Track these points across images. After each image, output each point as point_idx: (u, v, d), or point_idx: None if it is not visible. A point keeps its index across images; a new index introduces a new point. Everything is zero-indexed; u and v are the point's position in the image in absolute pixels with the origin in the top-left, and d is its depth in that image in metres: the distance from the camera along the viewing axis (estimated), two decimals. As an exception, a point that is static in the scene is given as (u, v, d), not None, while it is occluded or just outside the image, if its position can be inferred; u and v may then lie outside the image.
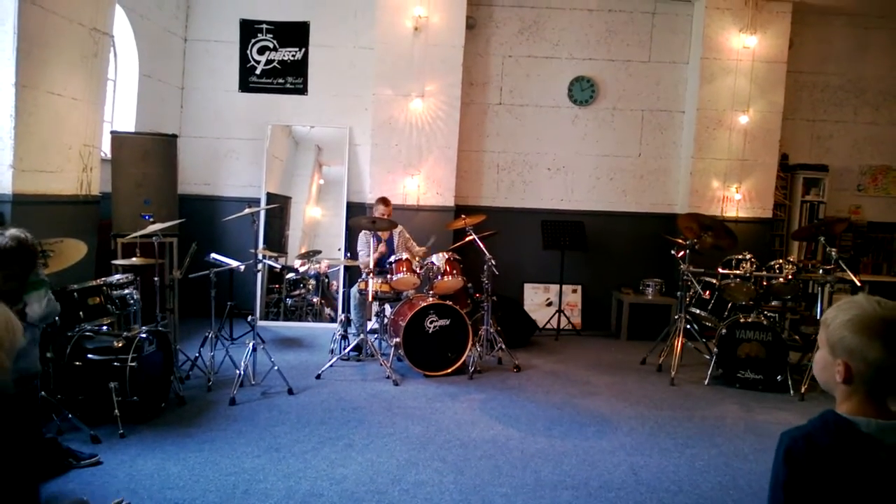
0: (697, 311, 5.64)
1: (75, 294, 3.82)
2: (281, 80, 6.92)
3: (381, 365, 4.98)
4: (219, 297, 4.70)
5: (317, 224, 7.05)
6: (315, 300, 6.76)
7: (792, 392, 4.87)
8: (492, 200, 7.08)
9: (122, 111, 6.10)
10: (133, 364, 3.63)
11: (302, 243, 6.93)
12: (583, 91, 7.00)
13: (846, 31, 7.12)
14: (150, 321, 4.40)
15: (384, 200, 5.79)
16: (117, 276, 4.20)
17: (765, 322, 5.00)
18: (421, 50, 6.45)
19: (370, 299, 5.13)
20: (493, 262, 5.21)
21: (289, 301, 6.71)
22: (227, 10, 6.86)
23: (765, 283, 5.17)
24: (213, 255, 4.82)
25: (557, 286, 6.80)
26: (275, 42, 6.88)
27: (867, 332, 1.24)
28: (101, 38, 4.73)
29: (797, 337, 5.70)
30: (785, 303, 5.70)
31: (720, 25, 6.66)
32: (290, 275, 6.71)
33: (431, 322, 5.01)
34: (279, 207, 6.84)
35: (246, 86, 6.93)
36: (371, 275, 5.02)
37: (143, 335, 3.80)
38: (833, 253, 4.96)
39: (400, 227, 5.83)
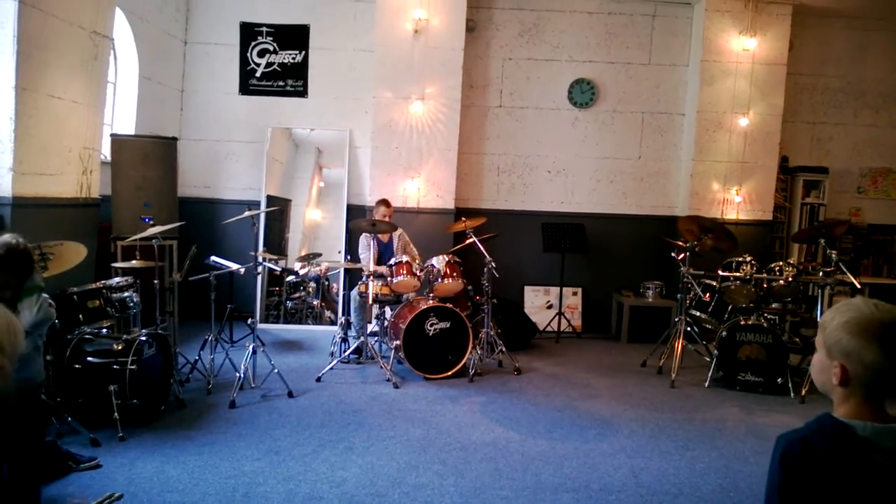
0: (698, 314, 5.64)
1: (75, 297, 3.83)
2: (281, 83, 6.93)
3: (382, 368, 4.97)
4: (219, 299, 4.70)
5: (317, 227, 7.05)
6: (315, 303, 6.75)
7: (792, 394, 4.86)
8: (492, 203, 7.08)
9: (122, 114, 6.10)
10: (133, 367, 3.63)
11: (302, 246, 6.93)
12: (583, 93, 7.00)
13: (846, 34, 7.13)
14: (149, 324, 4.40)
15: (385, 202, 5.79)
16: (117, 279, 4.20)
17: (765, 324, 5.00)
18: (421, 52, 6.46)
19: (370, 302, 5.13)
20: (493, 264, 5.21)
21: (289, 304, 6.71)
22: (227, 12, 6.87)
23: (765, 286, 5.17)
24: (213, 258, 4.83)
25: (558, 289, 6.79)
26: (275, 45, 6.89)
27: (864, 335, 1.24)
28: (101, 40, 4.74)
29: (797, 339, 5.70)
30: (785, 305, 5.69)
31: (720, 28, 6.67)
32: (291, 277, 6.71)
33: (432, 325, 5.01)
34: (279, 210, 6.84)
35: (246, 88, 6.93)
36: (371, 277, 5.02)
37: (143, 338, 3.80)
38: (833, 255, 4.96)
39: (400, 231, 5.83)
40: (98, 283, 4.03)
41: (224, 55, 6.89)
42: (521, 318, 6.37)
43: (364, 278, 5.14)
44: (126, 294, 4.12)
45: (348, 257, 6.13)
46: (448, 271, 5.19)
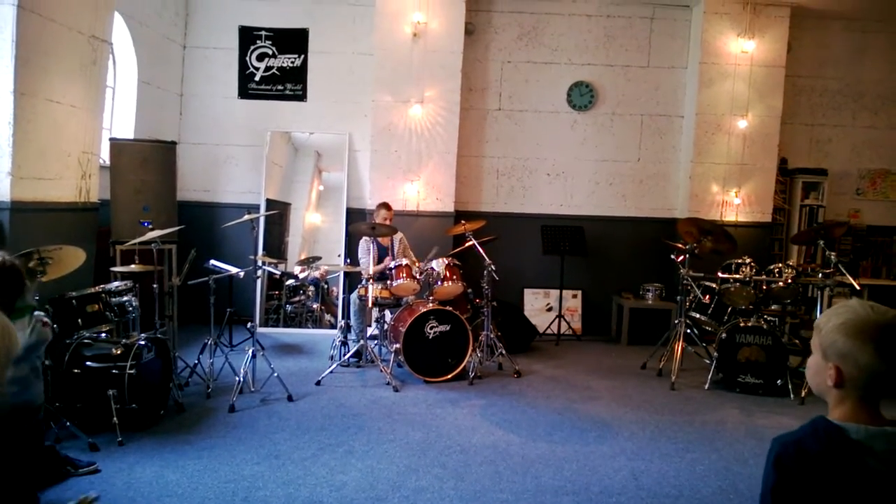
0: (697, 316, 5.63)
1: (74, 301, 3.82)
2: (280, 87, 6.94)
3: (381, 371, 4.97)
4: (218, 303, 4.70)
5: (316, 230, 7.05)
6: (315, 306, 6.75)
7: (792, 396, 4.86)
8: (491, 206, 7.08)
9: (121, 118, 6.11)
10: (132, 371, 3.62)
11: (302, 249, 6.93)
12: (582, 96, 7.01)
13: (844, 36, 7.14)
14: (148, 328, 4.39)
15: (385, 205, 5.79)
16: (116, 283, 4.19)
17: (765, 326, 4.99)
18: (420, 56, 6.47)
19: (370, 305, 5.12)
20: (492, 267, 5.20)
21: (288, 307, 6.71)
22: (226, 17, 6.88)
23: (764, 288, 5.17)
24: (213, 262, 4.82)
25: (557, 291, 6.79)
26: (274, 49, 6.90)
27: (859, 337, 1.24)
28: (99, 45, 4.74)
29: (797, 341, 5.69)
30: (785, 307, 5.69)
31: (718, 30, 6.68)
32: (290, 281, 6.71)
33: (431, 328, 5.00)
34: (279, 214, 6.84)
35: (245, 92, 6.94)
36: (371, 281, 5.02)
37: (142, 342, 3.79)
38: (832, 257, 4.95)
39: (400, 234, 5.83)
40: (97, 288, 4.03)
41: (223, 59, 6.90)
42: (520, 320, 6.37)
43: (364, 282, 5.14)
44: (125, 298, 4.11)
45: (348, 261, 6.13)
46: (448, 274, 5.19)
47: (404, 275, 5.12)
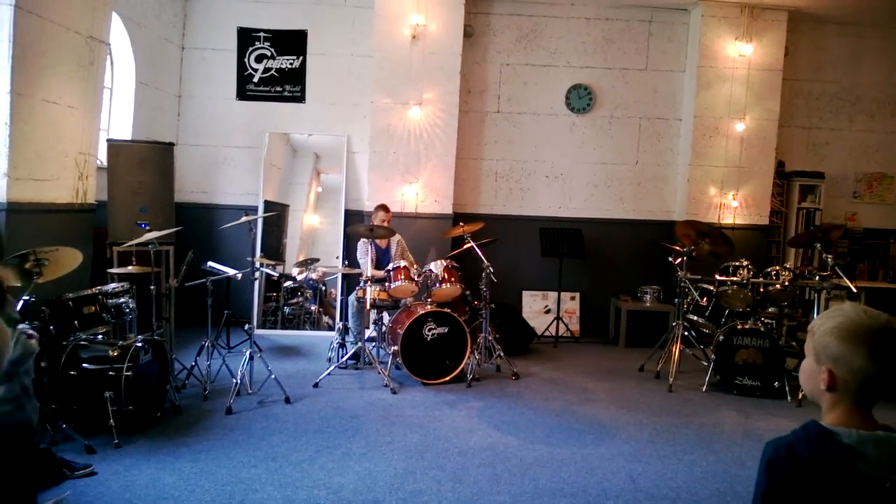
0: (695, 318, 5.64)
1: (70, 303, 3.81)
2: (279, 88, 6.93)
3: (379, 373, 4.96)
4: (215, 305, 4.68)
5: (315, 232, 7.04)
6: (313, 308, 6.74)
7: (789, 398, 4.87)
8: (490, 208, 7.08)
9: (119, 119, 6.09)
10: (128, 373, 3.61)
11: (300, 251, 6.92)
12: (580, 99, 7.02)
13: (841, 40, 7.16)
14: (145, 330, 4.38)
15: (384, 207, 5.79)
16: (113, 285, 4.18)
17: (762, 329, 5.00)
18: (419, 58, 6.47)
19: (368, 307, 5.12)
20: (491, 269, 5.20)
21: (286, 309, 6.70)
22: (224, 18, 6.87)
23: (762, 290, 5.18)
24: (210, 264, 4.81)
25: (556, 293, 6.79)
26: (272, 50, 6.90)
27: (853, 340, 1.23)
28: (97, 46, 4.73)
29: (794, 343, 5.69)
30: (782, 309, 5.69)
31: (716, 34, 6.70)
32: (288, 283, 6.69)
33: (429, 330, 5.00)
34: (277, 215, 6.83)
35: (243, 94, 6.93)
36: (369, 283, 5.01)
37: (139, 344, 3.78)
38: (829, 259, 4.96)
39: (398, 237, 5.82)
40: (94, 289, 4.02)
41: (221, 60, 6.90)
42: (519, 322, 6.36)
43: (362, 283, 5.13)
44: (122, 300, 4.10)
45: (346, 262, 6.12)
46: (446, 276, 5.19)
47: (402, 277, 5.11)
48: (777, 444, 1.28)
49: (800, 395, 4.80)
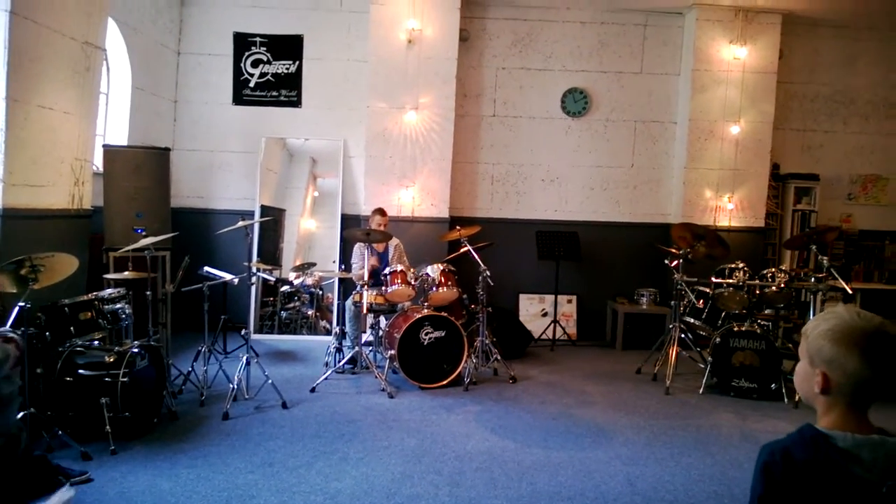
0: (691, 320, 5.65)
1: (66, 309, 3.80)
2: (275, 93, 6.94)
3: (376, 377, 4.95)
4: (212, 310, 4.68)
5: (311, 236, 7.04)
6: (310, 313, 6.73)
7: (786, 400, 4.88)
8: (486, 212, 7.09)
9: (115, 124, 6.09)
10: (125, 379, 3.60)
11: (297, 256, 6.91)
12: (576, 102, 7.04)
13: (835, 42, 7.20)
14: (142, 336, 4.36)
15: (381, 211, 5.80)
16: (109, 291, 4.17)
17: (758, 331, 5.02)
18: (415, 62, 6.48)
19: (365, 311, 5.11)
20: (487, 273, 5.20)
21: (283, 314, 6.69)
22: (220, 23, 6.88)
23: (757, 292, 5.19)
24: (207, 269, 4.81)
25: (552, 297, 6.80)
26: (268, 55, 6.91)
27: (846, 343, 1.24)
28: (93, 51, 4.73)
29: (790, 345, 5.71)
30: (778, 311, 5.71)
31: (711, 37, 6.73)
32: (285, 287, 6.69)
33: (426, 334, 5.00)
34: (273, 220, 6.83)
35: (239, 99, 6.94)
36: (365, 287, 5.01)
37: (135, 350, 3.77)
38: (825, 261, 4.98)
39: (396, 241, 5.83)
40: (90, 295, 4.00)
41: (217, 65, 6.90)
42: (516, 326, 6.37)
43: (358, 288, 5.13)
44: (118, 305, 4.09)
45: (342, 267, 6.11)
46: (443, 280, 5.19)
47: (399, 281, 5.11)
48: (773, 447, 1.28)
49: (796, 398, 4.81)
